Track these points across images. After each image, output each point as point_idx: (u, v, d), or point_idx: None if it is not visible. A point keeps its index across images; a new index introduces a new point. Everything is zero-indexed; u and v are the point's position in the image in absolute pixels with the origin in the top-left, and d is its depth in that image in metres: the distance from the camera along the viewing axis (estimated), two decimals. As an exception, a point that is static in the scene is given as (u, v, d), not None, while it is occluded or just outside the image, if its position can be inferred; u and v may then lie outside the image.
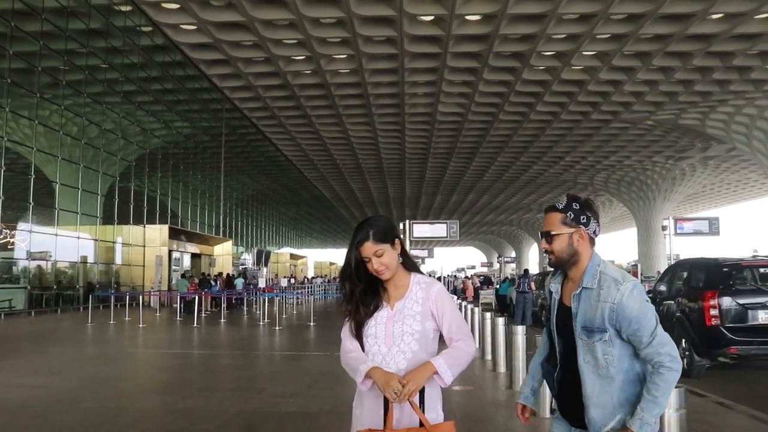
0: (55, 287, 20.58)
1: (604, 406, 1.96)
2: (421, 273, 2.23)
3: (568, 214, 2.05)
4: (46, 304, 19.90)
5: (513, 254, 77.73)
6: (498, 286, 25.42)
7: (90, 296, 17.77)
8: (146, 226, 25.39)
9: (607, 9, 16.84)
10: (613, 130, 30.35)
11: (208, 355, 10.66)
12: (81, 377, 7.87)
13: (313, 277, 53.37)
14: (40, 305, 19.58)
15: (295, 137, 32.56)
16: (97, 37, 21.69)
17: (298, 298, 25.93)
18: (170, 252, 26.20)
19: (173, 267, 26.86)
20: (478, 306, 11.08)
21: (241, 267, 36.06)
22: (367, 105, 26.27)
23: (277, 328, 14.75)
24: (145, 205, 25.79)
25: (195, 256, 30.23)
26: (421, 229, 15.59)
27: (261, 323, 16.09)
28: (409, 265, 2.20)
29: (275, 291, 26.25)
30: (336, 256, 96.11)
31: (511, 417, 5.39)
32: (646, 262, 39.91)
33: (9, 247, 19.14)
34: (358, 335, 2.15)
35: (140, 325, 15.08)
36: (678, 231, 20.03)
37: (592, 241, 2.08)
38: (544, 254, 2.15)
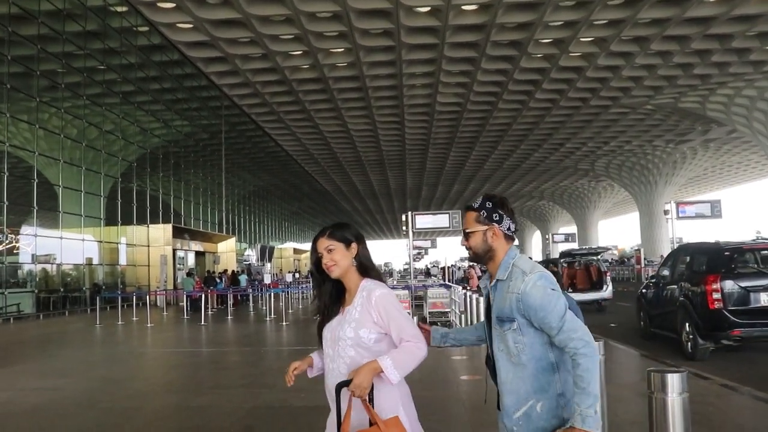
0: (61, 290, 20.71)
1: (517, 392, 2.03)
2: (374, 278, 2.22)
3: (481, 213, 2.15)
4: (54, 307, 20.04)
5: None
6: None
7: (97, 298, 17.89)
8: (149, 225, 25.45)
9: (603, -5, 16.84)
10: (612, 116, 30.29)
11: (217, 353, 10.78)
12: (94, 379, 7.98)
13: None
14: (47, 308, 19.72)
15: (295, 132, 32.55)
16: (94, 39, 21.69)
17: (303, 293, 26.02)
18: (174, 251, 26.30)
19: (178, 266, 26.97)
20: (482, 295, 11.12)
21: (244, 263, 36.12)
22: (365, 98, 26.25)
23: (283, 323, 14.85)
24: (148, 204, 25.82)
25: (199, 254, 30.32)
26: (424, 220, 15.55)
27: (267, 319, 16.21)
28: (362, 269, 2.22)
29: (280, 286, 26.36)
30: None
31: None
32: (649, 247, 39.95)
33: (14, 251, 19.24)
34: (319, 335, 2.27)
35: (148, 325, 15.19)
36: (680, 215, 20.00)
37: (508, 237, 2.18)
38: (467, 251, 2.25)
